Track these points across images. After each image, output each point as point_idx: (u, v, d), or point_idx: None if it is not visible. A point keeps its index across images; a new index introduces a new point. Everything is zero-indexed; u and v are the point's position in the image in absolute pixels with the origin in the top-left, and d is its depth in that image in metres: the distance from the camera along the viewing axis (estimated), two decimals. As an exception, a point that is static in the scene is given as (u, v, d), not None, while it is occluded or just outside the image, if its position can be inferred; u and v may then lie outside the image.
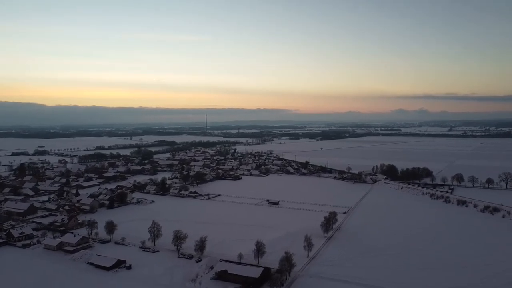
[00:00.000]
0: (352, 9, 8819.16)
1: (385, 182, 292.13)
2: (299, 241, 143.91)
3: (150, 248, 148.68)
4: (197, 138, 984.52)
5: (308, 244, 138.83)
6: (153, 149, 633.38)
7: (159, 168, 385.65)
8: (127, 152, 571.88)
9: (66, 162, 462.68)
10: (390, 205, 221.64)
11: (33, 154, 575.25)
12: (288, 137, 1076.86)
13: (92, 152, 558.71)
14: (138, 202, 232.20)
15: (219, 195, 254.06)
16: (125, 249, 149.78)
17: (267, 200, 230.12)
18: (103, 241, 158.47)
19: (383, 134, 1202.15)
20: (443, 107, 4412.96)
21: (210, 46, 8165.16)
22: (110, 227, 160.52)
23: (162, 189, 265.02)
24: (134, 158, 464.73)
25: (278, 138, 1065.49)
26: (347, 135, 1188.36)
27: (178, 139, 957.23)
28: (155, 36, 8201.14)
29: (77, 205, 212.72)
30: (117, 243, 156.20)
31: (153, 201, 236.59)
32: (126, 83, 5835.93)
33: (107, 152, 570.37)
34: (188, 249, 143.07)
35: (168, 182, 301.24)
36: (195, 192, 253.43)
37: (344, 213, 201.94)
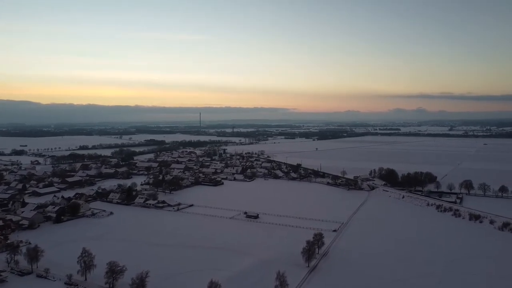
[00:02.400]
0: (351, 9, 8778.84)
1: (383, 190, 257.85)
2: (273, 274, 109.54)
3: (77, 285, 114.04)
4: (190, 137, 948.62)
5: (281, 283, 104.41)
6: (138, 149, 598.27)
7: (135, 171, 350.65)
8: (109, 152, 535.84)
9: (38, 163, 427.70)
10: (390, 220, 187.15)
11: (9, 154, 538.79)
12: (283, 137, 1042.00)
13: (71, 152, 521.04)
14: (93, 214, 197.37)
15: (191, 205, 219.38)
16: (46, 285, 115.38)
17: (245, 213, 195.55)
18: (24, 273, 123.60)
19: (382, 134, 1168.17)
20: (440, 106, 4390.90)
21: (208, 45, 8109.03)
22: (33, 254, 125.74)
23: (128, 197, 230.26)
24: (111, 160, 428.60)
25: (273, 137, 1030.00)
26: (345, 134, 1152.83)
27: (171, 138, 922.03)
28: (152, 35, 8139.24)
29: (14, 219, 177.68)
30: (39, 276, 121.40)
31: (111, 213, 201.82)
32: (123, 82, 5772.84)
33: (90, 152, 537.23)
34: (126, 286, 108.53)
35: (140, 187, 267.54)
36: (163, 202, 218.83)
37: (335, 230, 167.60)
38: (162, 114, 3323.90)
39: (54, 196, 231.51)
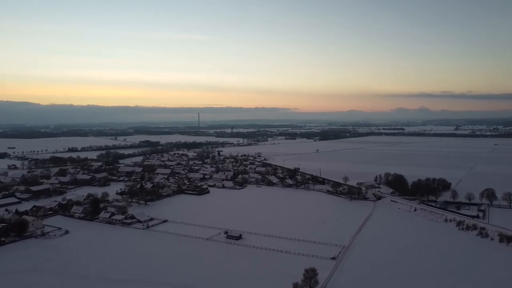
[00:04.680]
0: (352, 8, 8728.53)
1: (392, 200, 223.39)
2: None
3: None
4: (188, 138, 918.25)
5: None
6: (128, 151, 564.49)
7: (115, 177, 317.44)
8: (98, 155, 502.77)
9: (15, 167, 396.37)
10: (402, 242, 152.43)
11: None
12: (284, 137, 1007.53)
13: (51, 155, 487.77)
14: (43, 234, 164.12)
15: (165, 221, 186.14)
16: None
17: (226, 233, 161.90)
18: None
19: (385, 134, 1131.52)
20: (442, 105, 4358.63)
21: (209, 45, 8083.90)
22: None
23: (93, 211, 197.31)
24: (92, 164, 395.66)
25: (273, 138, 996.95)
26: (348, 134, 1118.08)
27: (168, 139, 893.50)
28: (153, 35, 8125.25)
29: None
30: None
31: (67, 232, 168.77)
32: (123, 82, 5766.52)
33: (77, 154, 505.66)
34: None
35: (113, 197, 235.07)
36: (132, 217, 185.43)
37: (333, 258, 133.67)
38: (162, 114, 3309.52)
39: (6, 210, 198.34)
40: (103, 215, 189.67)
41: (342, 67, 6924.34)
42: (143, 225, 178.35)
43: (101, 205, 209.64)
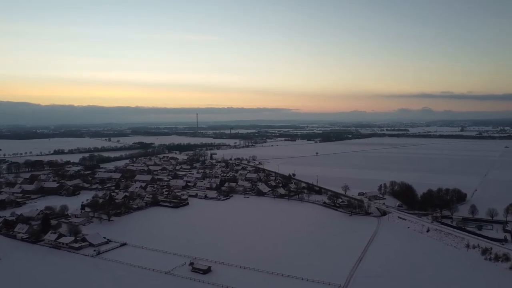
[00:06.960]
0: (355, 9, 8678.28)
1: (399, 217, 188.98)
2: None
3: None
4: (185, 140, 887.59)
5: None
6: (117, 154, 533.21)
7: (87, 186, 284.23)
8: (80, 158, 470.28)
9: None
10: (414, 279, 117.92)
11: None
12: (284, 139, 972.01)
13: (28, 158, 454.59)
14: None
15: (124, 244, 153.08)
16: None
17: (191, 264, 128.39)
18: None
19: (389, 135, 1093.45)
20: (443, 106, 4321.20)
21: (211, 45, 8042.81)
22: None
23: (42, 230, 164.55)
24: (68, 169, 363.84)
25: (273, 139, 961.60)
26: (350, 136, 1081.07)
27: (164, 140, 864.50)
28: (154, 35, 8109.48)
29: None
30: None
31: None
32: (124, 82, 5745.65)
33: (61, 157, 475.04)
34: None
35: (75, 211, 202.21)
36: (83, 240, 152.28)
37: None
38: (163, 115, 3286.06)
39: None
40: (49, 236, 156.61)
41: (345, 67, 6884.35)
42: (94, 250, 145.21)
43: (55, 221, 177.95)
